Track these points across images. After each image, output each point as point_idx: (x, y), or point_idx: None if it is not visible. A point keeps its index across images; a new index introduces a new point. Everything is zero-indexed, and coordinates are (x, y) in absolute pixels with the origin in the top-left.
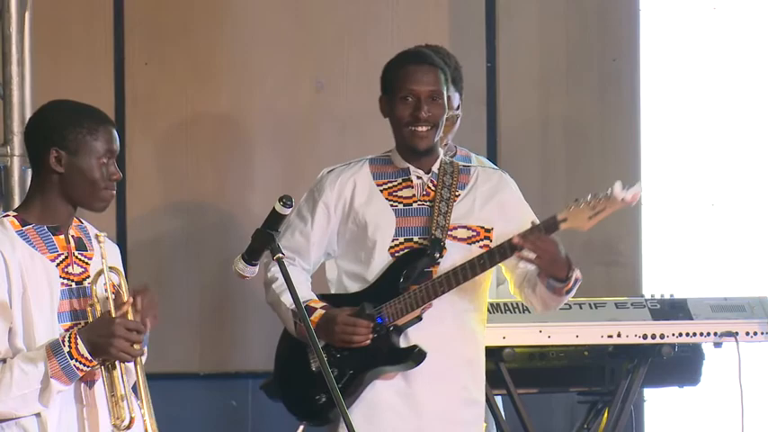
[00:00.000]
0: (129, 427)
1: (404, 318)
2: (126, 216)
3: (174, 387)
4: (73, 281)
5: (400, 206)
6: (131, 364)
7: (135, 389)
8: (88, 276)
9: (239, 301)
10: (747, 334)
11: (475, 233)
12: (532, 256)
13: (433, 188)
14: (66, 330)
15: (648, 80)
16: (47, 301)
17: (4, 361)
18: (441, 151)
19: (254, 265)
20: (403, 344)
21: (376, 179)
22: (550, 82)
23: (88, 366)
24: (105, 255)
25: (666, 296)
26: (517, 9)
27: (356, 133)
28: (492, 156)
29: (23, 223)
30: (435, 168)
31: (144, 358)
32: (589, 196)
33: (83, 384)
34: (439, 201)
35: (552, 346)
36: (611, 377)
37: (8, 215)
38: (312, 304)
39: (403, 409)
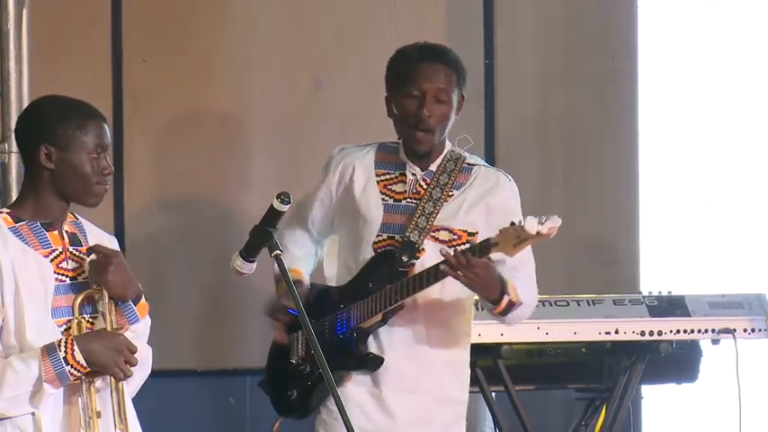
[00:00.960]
0: None
1: (367, 321)
2: (124, 213)
3: (172, 384)
4: (67, 276)
5: (390, 201)
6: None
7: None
8: (83, 271)
9: (237, 298)
10: (745, 331)
11: (456, 237)
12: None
13: (424, 187)
14: (61, 326)
15: (647, 78)
16: (41, 297)
17: None
18: (448, 145)
19: (252, 261)
20: (373, 346)
21: (377, 168)
22: (548, 80)
23: (81, 373)
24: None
25: (664, 293)
26: (515, 6)
27: (355, 131)
28: (489, 154)
29: (16, 220)
30: (434, 166)
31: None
32: (517, 221)
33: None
34: (426, 200)
35: (550, 342)
36: (609, 374)
37: (1, 212)
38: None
39: (372, 410)
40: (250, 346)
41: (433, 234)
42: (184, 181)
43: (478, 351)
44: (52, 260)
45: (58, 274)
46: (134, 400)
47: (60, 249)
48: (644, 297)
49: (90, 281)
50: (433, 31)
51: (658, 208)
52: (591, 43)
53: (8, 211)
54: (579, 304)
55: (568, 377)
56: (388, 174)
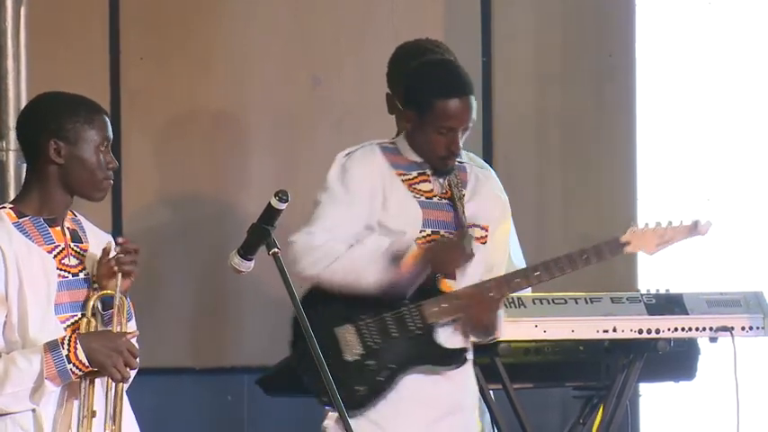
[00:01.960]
0: None
1: (446, 317)
2: (122, 211)
3: (170, 382)
4: (69, 272)
5: (423, 198)
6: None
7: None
8: (84, 268)
9: (235, 296)
10: (743, 329)
11: (485, 232)
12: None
13: (447, 186)
14: (64, 322)
15: (644, 75)
16: (43, 292)
17: None
18: None
19: (250, 259)
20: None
21: (394, 168)
22: (546, 77)
23: (83, 372)
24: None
25: (662, 291)
26: (513, 4)
27: (353, 128)
28: (487, 151)
29: (20, 215)
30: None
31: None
32: (654, 223)
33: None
34: (457, 198)
35: (547, 340)
36: (607, 372)
37: (4, 207)
38: (402, 249)
39: (435, 399)
40: (248, 344)
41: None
42: (182, 178)
43: (476, 349)
44: (55, 256)
45: (61, 270)
46: (131, 398)
47: (63, 245)
48: (642, 295)
49: (98, 279)
50: (430, 28)
51: (656, 205)
52: (588, 40)
53: (11, 206)
54: (577, 302)
55: (566, 375)
56: (406, 173)
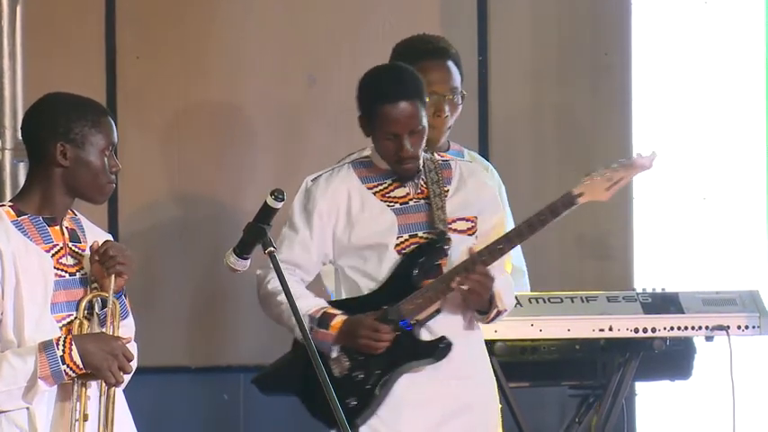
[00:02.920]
0: None
1: (424, 312)
2: (118, 209)
3: (165, 381)
4: (67, 272)
5: (397, 205)
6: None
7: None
8: (82, 268)
9: (231, 295)
10: (739, 328)
11: (471, 224)
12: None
13: (424, 185)
14: (60, 321)
15: (640, 74)
16: (40, 291)
17: None
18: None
19: (246, 258)
20: (426, 337)
21: (365, 183)
22: (542, 75)
23: (76, 374)
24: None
25: (658, 290)
26: (509, 3)
27: (348, 127)
28: (484, 149)
29: (19, 213)
30: (420, 166)
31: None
32: (602, 168)
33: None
34: (434, 196)
35: (544, 339)
36: (603, 371)
37: (3, 205)
38: (330, 311)
39: (436, 398)
40: (244, 343)
41: (451, 226)
42: (178, 177)
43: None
44: (53, 255)
45: (58, 269)
46: (127, 398)
47: (61, 245)
48: (638, 294)
49: (92, 278)
50: (426, 27)
51: (652, 205)
52: (584, 39)
53: (10, 204)
54: (573, 301)
55: (562, 374)
56: (379, 184)
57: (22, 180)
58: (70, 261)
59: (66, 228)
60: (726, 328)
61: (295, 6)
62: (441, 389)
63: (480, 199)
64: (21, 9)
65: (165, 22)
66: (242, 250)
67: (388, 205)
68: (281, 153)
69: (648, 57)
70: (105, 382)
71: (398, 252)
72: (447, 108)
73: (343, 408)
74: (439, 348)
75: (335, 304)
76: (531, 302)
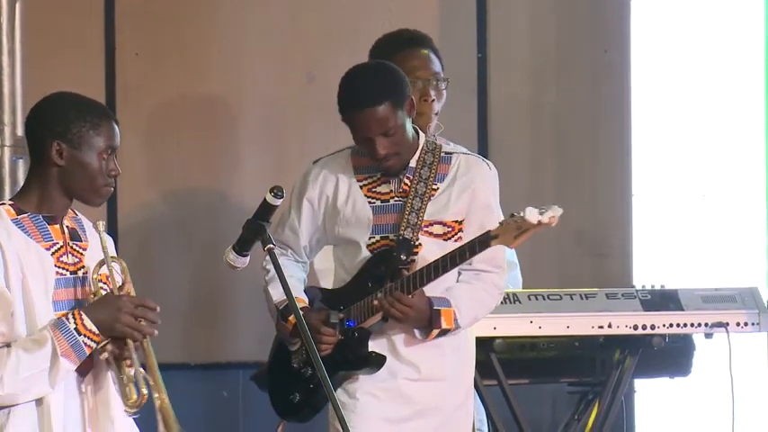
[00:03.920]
0: (140, 405)
1: (368, 320)
2: (116, 206)
3: (164, 377)
4: (67, 270)
5: (378, 203)
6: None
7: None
8: (83, 266)
9: (230, 292)
10: (738, 324)
11: (450, 228)
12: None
13: (408, 183)
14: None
15: (639, 71)
16: (42, 289)
17: (8, 345)
18: (423, 137)
19: (245, 255)
20: (372, 344)
21: (357, 174)
22: (541, 73)
23: (96, 342)
24: (106, 243)
25: (657, 287)
26: (508, 0)
27: (346, 125)
28: (482, 146)
29: (19, 212)
30: (413, 162)
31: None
32: (515, 214)
33: (88, 374)
34: (413, 197)
35: (543, 336)
36: (602, 368)
37: (3, 204)
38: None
39: (389, 400)
40: (243, 340)
41: (426, 229)
42: (177, 174)
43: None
44: (53, 253)
45: (59, 267)
46: None
47: (61, 243)
48: (637, 291)
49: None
50: (425, 24)
51: (651, 202)
52: (583, 36)
53: (11, 202)
54: (572, 298)
55: (561, 371)
56: (369, 177)
57: (20, 177)
58: (71, 259)
59: (67, 227)
60: (725, 325)
61: (294, 4)
62: (404, 389)
63: (475, 198)
64: (20, 6)
65: (165, 18)
66: (241, 247)
67: (370, 202)
68: (279, 149)
69: (648, 54)
70: (131, 339)
71: (371, 252)
72: (432, 93)
73: (288, 402)
74: (371, 361)
75: (309, 292)
76: (530, 299)
